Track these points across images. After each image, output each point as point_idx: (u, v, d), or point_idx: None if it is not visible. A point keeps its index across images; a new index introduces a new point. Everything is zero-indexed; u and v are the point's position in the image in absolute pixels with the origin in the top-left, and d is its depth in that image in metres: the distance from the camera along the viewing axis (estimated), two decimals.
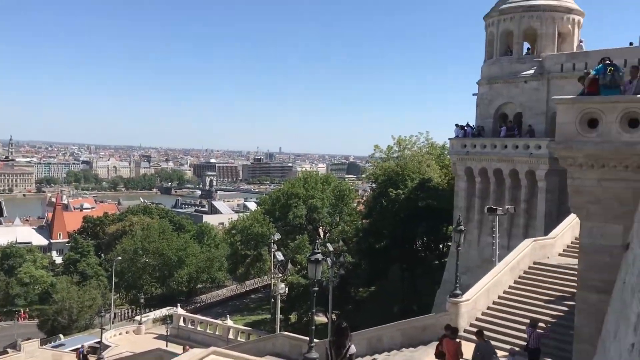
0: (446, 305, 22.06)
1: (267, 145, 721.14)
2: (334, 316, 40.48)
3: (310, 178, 68.84)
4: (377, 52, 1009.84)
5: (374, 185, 60.90)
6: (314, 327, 18.47)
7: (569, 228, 25.15)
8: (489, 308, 21.86)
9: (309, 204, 62.00)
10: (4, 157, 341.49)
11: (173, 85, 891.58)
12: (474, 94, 40.09)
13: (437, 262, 54.10)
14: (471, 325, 20.77)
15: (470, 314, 21.29)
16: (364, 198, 76.58)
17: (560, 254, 24.67)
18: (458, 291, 21.65)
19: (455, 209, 39.47)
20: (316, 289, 17.89)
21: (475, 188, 38.41)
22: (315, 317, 19.14)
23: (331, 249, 40.92)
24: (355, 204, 69.33)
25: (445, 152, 53.68)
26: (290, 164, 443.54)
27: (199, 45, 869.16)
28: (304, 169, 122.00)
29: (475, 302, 21.51)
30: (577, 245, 16.99)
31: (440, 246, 55.59)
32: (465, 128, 39.23)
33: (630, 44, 33.17)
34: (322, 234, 65.09)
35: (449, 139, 40.68)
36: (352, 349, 11.57)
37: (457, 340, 17.08)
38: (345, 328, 11.92)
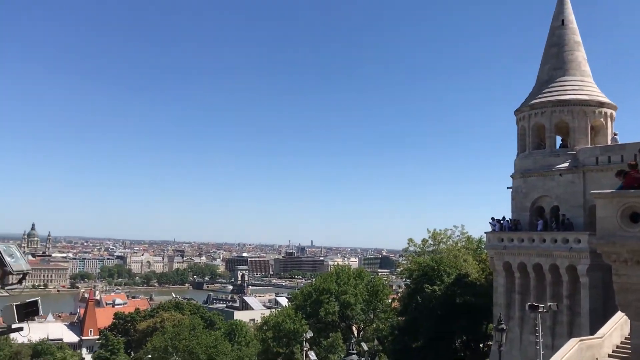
0: None
1: (298, 238, 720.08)
2: None
3: (342, 272, 67.85)
4: (409, 145, 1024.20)
5: (408, 280, 59.52)
6: None
7: (618, 326, 23.85)
8: None
9: (342, 300, 60.67)
10: (41, 252, 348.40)
11: (206, 182, 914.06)
12: (508, 187, 39.83)
13: None
14: None
15: None
16: (399, 294, 74.71)
17: (609, 355, 23.25)
18: None
19: (495, 305, 38.07)
20: None
21: (514, 283, 37.20)
22: None
23: (366, 348, 39.47)
24: (389, 300, 67.57)
25: (482, 246, 52.63)
26: (322, 258, 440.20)
27: (233, 143, 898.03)
28: (335, 263, 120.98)
29: None
30: (628, 346, 16.01)
31: (481, 345, 53.11)
32: (502, 221, 38.65)
33: None
34: (355, 332, 63.14)
35: (485, 232, 40.04)
36: None
37: None
38: None
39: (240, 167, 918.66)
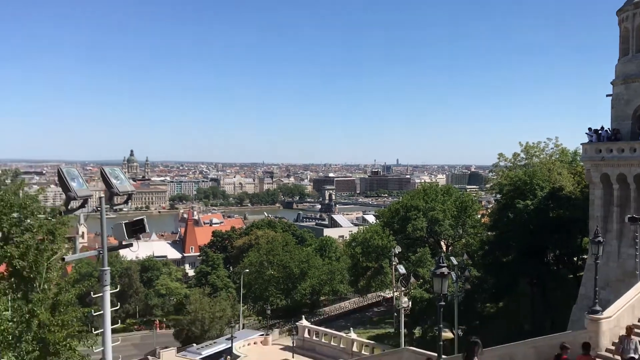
0: (585, 322, 20.52)
1: (384, 157, 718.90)
2: (460, 332, 39.15)
3: (430, 190, 67.56)
4: (499, 57, 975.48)
5: (498, 195, 58.38)
6: (441, 343, 18.00)
7: None
8: (634, 326, 19.99)
9: (430, 216, 60.76)
10: (141, 176, 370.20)
11: (292, 104, 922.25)
12: (607, 95, 37.25)
13: (571, 276, 50.63)
14: (614, 344, 19.11)
15: (612, 332, 19.61)
16: (488, 209, 73.69)
17: None
18: (598, 307, 20.06)
19: (591, 219, 36.71)
20: (442, 303, 17.42)
21: (612, 196, 35.52)
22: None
23: (455, 262, 39.75)
24: (479, 216, 66.89)
25: (578, 159, 50.33)
26: (408, 176, 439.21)
27: (321, 66, 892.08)
28: (422, 181, 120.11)
29: (617, 319, 19.80)
30: None
31: (575, 259, 51.95)
32: (600, 132, 36.50)
33: None
34: (444, 247, 63.48)
35: (582, 144, 38.04)
36: None
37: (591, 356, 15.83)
38: (474, 343, 11.51)
39: (326, 88, 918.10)
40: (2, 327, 15.47)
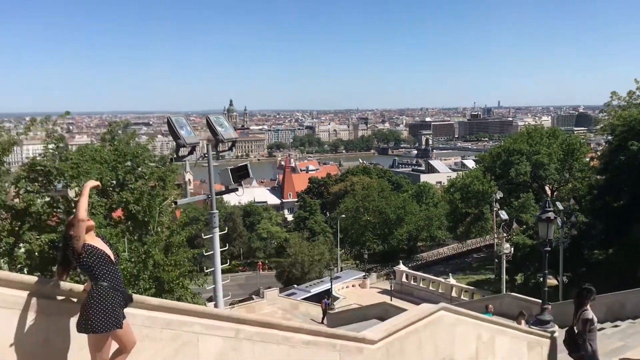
0: None
1: (484, 100, 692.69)
2: (565, 279, 37.86)
3: (534, 132, 64.55)
4: None
5: (610, 137, 54.66)
6: (546, 289, 17.49)
7: None
8: None
9: (534, 160, 58.30)
10: (240, 125, 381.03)
11: (386, 48, 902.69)
12: None
13: None
14: None
15: None
16: (598, 152, 69.33)
17: None
18: None
19: None
20: (548, 249, 16.86)
21: None
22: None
23: (561, 207, 38.10)
24: (587, 159, 63.27)
25: None
26: (510, 119, 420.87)
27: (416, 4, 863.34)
28: (526, 123, 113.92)
29: None
30: None
31: None
32: None
33: None
34: (549, 192, 60.92)
35: None
36: (587, 315, 10.71)
37: None
38: (587, 290, 11.06)
39: (420, 31, 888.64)
40: (122, 267, 16.76)
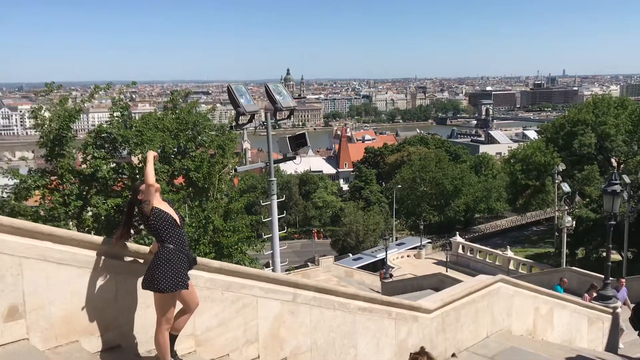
0: None
1: (548, 68, 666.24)
2: (629, 254, 36.54)
3: (600, 102, 61.75)
4: None
5: None
6: (609, 264, 16.98)
7: None
8: None
9: (600, 131, 55.97)
10: (297, 95, 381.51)
11: (445, 15, 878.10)
12: None
13: None
14: None
15: None
16: None
17: None
18: None
19: None
20: (612, 222, 16.32)
21: None
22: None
23: (628, 180, 36.52)
24: None
25: None
26: (575, 88, 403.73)
27: None
28: (592, 93, 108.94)
29: None
30: None
31: None
32: None
33: None
34: (615, 165, 58.49)
35: None
36: None
37: None
38: None
39: None
40: (184, 231, 17.32)
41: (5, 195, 17.94)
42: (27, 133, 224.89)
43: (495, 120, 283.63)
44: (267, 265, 25.54)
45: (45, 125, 17.45)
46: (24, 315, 4.99)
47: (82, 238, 5.45)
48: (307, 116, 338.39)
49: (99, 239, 5.59)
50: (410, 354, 6.46)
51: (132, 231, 5.64)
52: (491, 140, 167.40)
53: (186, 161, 19.97)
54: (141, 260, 5.78)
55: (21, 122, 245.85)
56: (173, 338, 5.67)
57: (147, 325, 5.80)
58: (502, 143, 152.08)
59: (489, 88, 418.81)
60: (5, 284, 4.85)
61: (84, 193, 17.97)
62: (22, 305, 4.97)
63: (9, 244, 4.86)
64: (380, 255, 50.23)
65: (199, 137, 21.51)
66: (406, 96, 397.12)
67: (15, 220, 5.06)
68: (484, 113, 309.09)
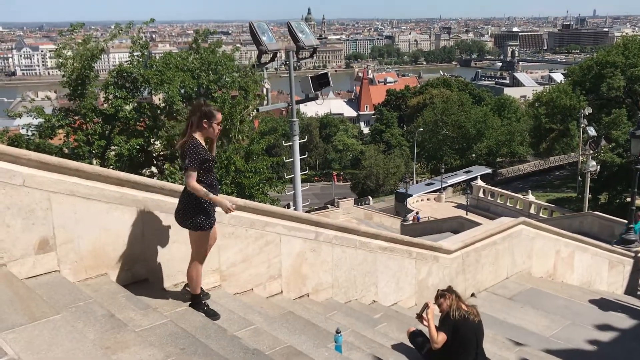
0: None
1: (578, 8, 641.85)
2: None
3: (632, 43, 59.57)
4: None
5: None
6: (633, 208, 16.83)
7: None
8: None
9: (630, 74, 54.27)
10: (318, 35, 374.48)
11: None
12: None
13: None
14: None
15: None
16: None
17: None
18: None
19: None
20: (639, 166, 16.10)
21: None
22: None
23: None
24: None
25: None
26: (606, 29, 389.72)
27: None
28: (624, 34, 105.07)
29: None
30: None
31: None
32: None
33: None
34: None
35: None
36: None
37: None
38: None
39: None
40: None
41: (30, 133, 18.20)
42: (48, 73, 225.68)
43: (521, 63, 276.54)
44: (287, 207, 25.83)
45: (68, 65, 17.47)
46: (55, 248, 5.12)
47: (108, 174, 5.51)
48: (328, 57, 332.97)
49: (125, 175, 5.66)
50: (438, 290, 6.58)
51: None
52: (516, 82, 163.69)
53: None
54: (167, 197, 5.85)
55: (43, 61, 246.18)
56: None
57: (173, 260, 5.94)
58: (527, 86, 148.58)
59: (515, 29, 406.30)
60: (35, 217, 4.96)
61: (107, 132, 18.15)
62: (53, 238, 5.10)
63: (37, 178, 4.94)
64: (432, 187, 56.21)
65: (222, 78, 21.40)
66: (430, 37, 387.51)
67: (43, 155, 5.12)
68: (509, 55, 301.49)
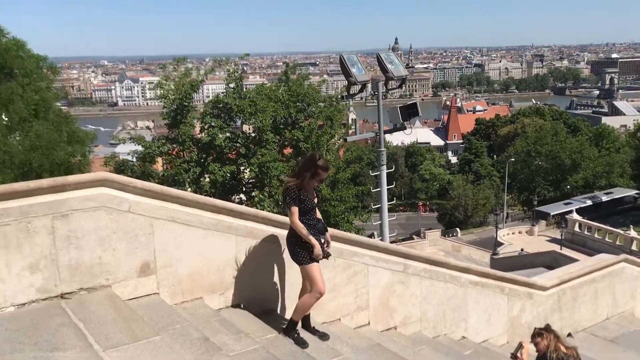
0: None
1: None
2: None
3: None
4: None
5: None
6: None
7: None
8: None
9: None
10: (405, 64, 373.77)
11: None
12: None
13: None
14: None
15: None
16: None
17: None
18: None
19: None
20: None
21: None
22: None
23: None
24: None
25: None
26: None
27: None
28: None
29: None
30: None
31: None
32: None
33: None
34: None
35: None
36: None
37: None
38: None
39: None
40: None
41: (133, 159, 19.39)
42: (147, 103, 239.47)
43: (620, 91, 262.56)
44: (372, 236, 25.67)
45: (170, 96, 18.54)
46: (155, 271, 5.39)
47: (206, 201, 5.76)
48: (415, 86, 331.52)
49: (221, 202, 5.88)
50: (535, 328, 6.30)
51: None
52: (616, 111, 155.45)
53: (296, 132, 20.44)
54: (259, 225, 6.02)
55: (142, 93, 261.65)
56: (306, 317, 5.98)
57: (265, 286, 6.07)
58: (628, 115, 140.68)
59: (614, 55, 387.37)
60: (139, 242, 5.25)
61: (202, 160, 18.97)
62: (154, 262, 5.37)
63: (142, 205, 5.25)
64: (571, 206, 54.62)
65: (309, 108, 21.88)
66: (521, 65, 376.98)
67: (148, 183, 5.44)
68: (607, 82, 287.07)
